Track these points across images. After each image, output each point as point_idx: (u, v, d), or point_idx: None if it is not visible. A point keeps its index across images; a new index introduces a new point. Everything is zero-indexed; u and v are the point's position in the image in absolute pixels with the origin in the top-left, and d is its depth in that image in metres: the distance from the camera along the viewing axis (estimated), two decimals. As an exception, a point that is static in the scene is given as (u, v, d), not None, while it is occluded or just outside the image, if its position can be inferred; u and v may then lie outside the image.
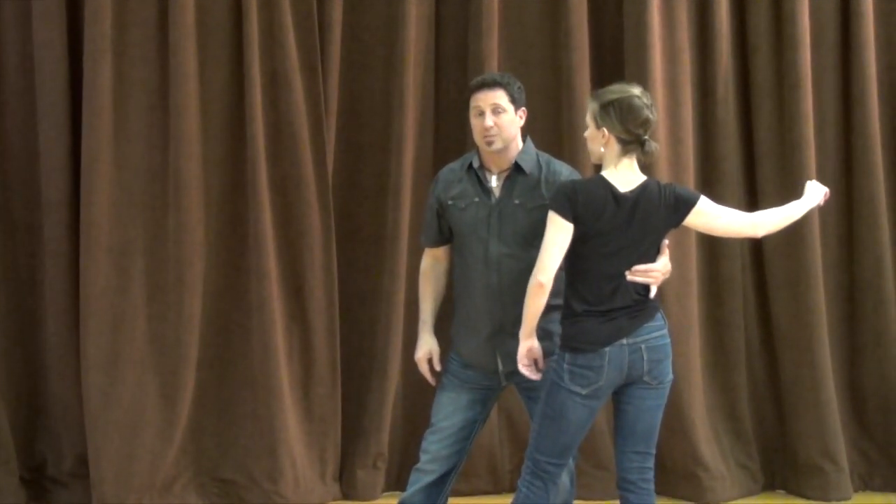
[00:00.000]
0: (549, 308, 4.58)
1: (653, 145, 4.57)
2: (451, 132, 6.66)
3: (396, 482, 6.69)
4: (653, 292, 4.59)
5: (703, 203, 4.61)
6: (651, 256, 4.56)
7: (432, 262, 5.11)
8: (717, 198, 6.74)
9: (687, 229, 6.59)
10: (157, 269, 6.46)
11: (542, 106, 6.59)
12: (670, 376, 4.61)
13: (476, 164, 4.83)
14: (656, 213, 4.52)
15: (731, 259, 6.79)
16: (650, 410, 4.60)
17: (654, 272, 4.55)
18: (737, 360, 6.88)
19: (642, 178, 4.57)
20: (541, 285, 4.46)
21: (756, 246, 6.87)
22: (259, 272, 6.47)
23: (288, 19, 6.48)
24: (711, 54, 6.81)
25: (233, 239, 6.56)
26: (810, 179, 6.60)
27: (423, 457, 4.97)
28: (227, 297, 6.57)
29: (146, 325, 6.45)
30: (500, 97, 4.75)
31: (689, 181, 6.71)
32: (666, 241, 4.62)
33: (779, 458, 6.89)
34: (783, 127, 6.77)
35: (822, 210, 6.77)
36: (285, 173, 6.53)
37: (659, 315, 4.58)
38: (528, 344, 4.56)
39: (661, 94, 6.65)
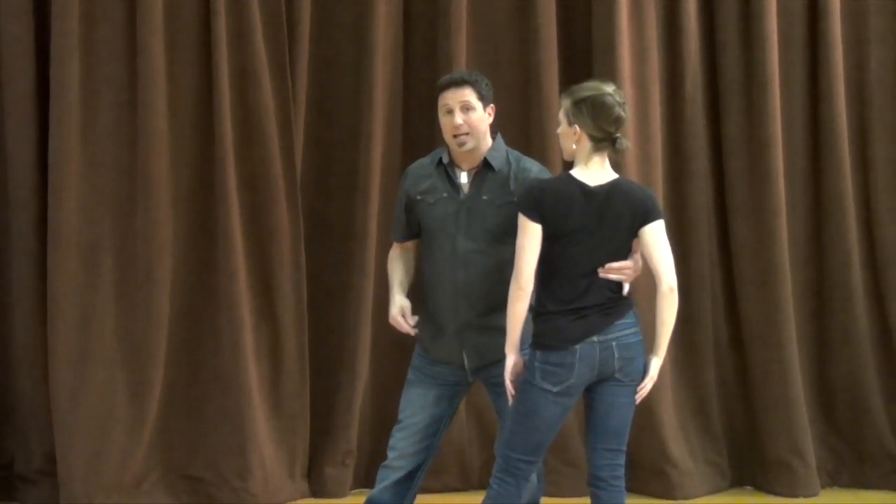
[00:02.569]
0: None
1: (624, 143, 4.56)
2: (420, 130, 6.67)
3: (365, 479, 6.69)
4: (626, 289, 4.59)
5: (661, 225, 4.58)
6: (623, 254, 4.56)
7: (401, 251, 5.09)
8: (686, 195, 6.85)
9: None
10: (125, 266, 6.44)
11: (511, 104, 6.60)
12: (642, 374, 4.61)
13: (446, 160, 4.83)
14: (628, 212, 4.51)
15: (699, 256, 6.81)
16: (622, 408, 4.59)
17: (626, 269, 4.55)
18: (705, 357, 6.90)
19: (613, 175, 4.57)
20: (521, 289, 4.45)
21: (724, 243, 6.92)
22: (228, 270, 6.47)
23: (256, 17, 6.48)
24: (680, 52, 6.84)
25: (201, 236, 6.55)
26: (778, 177, 6.69)
27: (391, 454, 4.95)
28: (195, 295, 6.57)
29: (115, 322, 6.43)
30: (468, 95, 4.74)
31: (658, 178, 6.74)
32: (637, 240, 4.61)
33: (747, 455, 6.92)
34: (751, 124, 6.80)
35: (790, 207, 6.83)
36: (254, 171, 6.53)
37: (631, 313, 4.58)
38: (514, 358, 4.54)
39: (629, 92, 6.67)
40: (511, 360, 4.54)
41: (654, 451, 6.68)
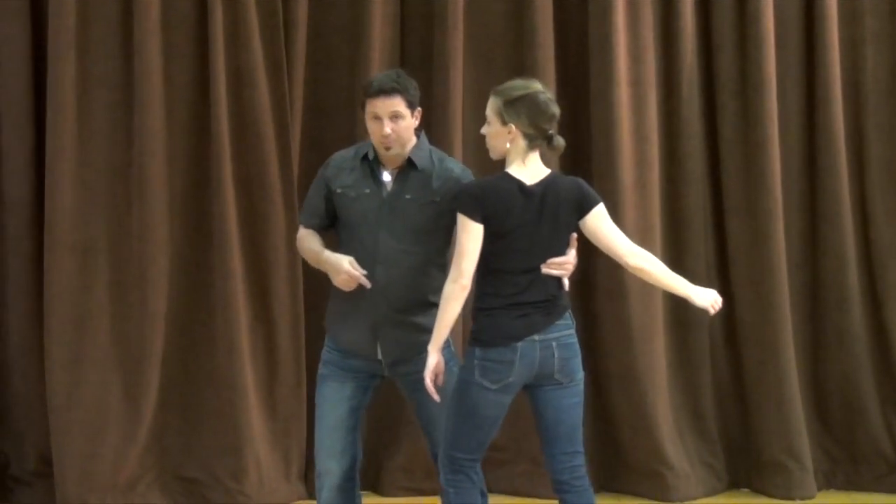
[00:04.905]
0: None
1: (560, 140, 4.57)
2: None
3: (361, 481, 6.64)
4: (566, 285, 4.61)
5: (602, 208, 4.61)
6: (562, 249, 4.57)
7: (311, 232, 4.92)
8: (682, 196, 6.85)
9: (651, 228, 6.66)
10: (120, 267, 6.44)
11: (507, 104, 6.60)
12: (581, 373, 4.61)
13: (371, 156, 4.80)
14: (565, 206, 4.54)
15: (695, 258, 6.80)
16: (568, 410, 4.59)
17: (567, 264, 4.58)
18: (701, 359, 6.90)
19: (547, 171, 4.59)
20: (464, 288, 4.45)
21: (720, 244, 6.91)
22: (223, 270, 6.46)
23: (253, 17, 6.48)
24: (676, 53, 6.84)
25: (197, 237, 6.56)
26: (774, 179, 6.69)
27: (320, 455, 4.87)
28: (191, 296, 6.57)
29: (110, 323, 6.44)
30: (398, 104, 4.69)
31: (654, 179, 6.74)
32: (574, 235, 4.61)
33: (743, 457, 6.91)
34: (747, 126, 6.80)
35: (786, 208, 6.83)
36: (250, 171, 6.52)
37: (568, 314, 4.60)
38: (436, 357, 4.50)
39: (625, 93, 6.68)
40: (434, 359, 4.50)
41: (649, 452, 6.69)
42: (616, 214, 6.46)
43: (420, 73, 6.71)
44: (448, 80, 6.61)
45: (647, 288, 6.64)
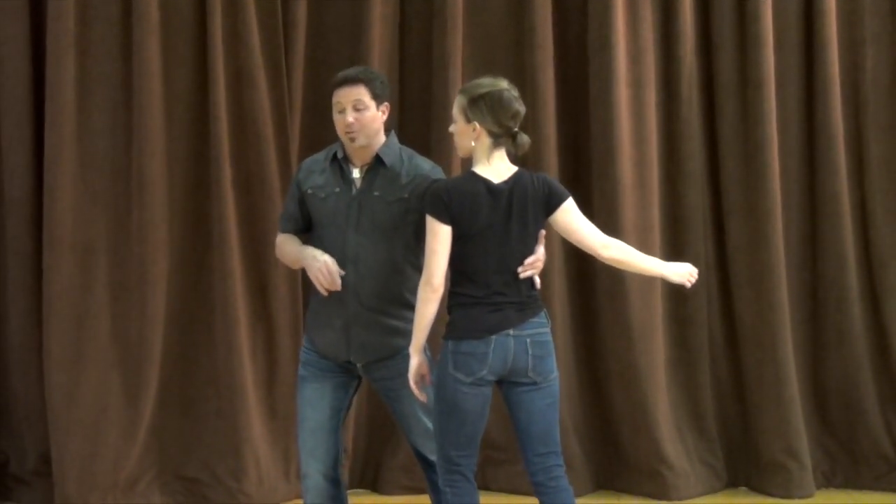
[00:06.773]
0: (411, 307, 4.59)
1: (524, 137, 4.56)
2: (415, 130, 6.66)
3: (360, 479, 6.70)
4: (538, 283, 4.60)
5: (571, 203, 4.61)
6: (531, 247, 4.56)
7: (288, 236, 4.95)
8: (681, 196, 6.86)
9: (648, 225, 6.67)
10: (120, 267, 6.45)
11: (506, 104, 6.60)
12: (555, 373, 4.58)
13: (340, 156, 4.80)
14: (533, 203, 4.52)
15: (694, 258, 6.76)
16: (542, 411, 4.56)
17: (538, 263, 4.57)
18: (700, 358, 6.91)
19: (514, 168, 4.57)
20: (435, 290, 4.44)
21: (719, 244, 6.92)
22: (223, 270, 6.47)
23: (252, 18, 6.50)
24: (675, 54, 6.84)
25: (197, 237, 6.57)
26: (773, 179, 6.70)
27: (303, 457, 4.87)
28: (190, 296, 6.58)
29: (110, 323, 6.44)
30: (361, 93, 4.71)
31: (654, 180, 6.75)
32: (542, 231, 4.60)
33: (742, 456, 6.92)
34: (747, 126, 6.80)
35: (785, 208, 6.83)
36: (249, 171, 6.54)
37: (543, 313, 4.58)
38: (418, 359, 4.51)
39: (625, 94, 6.69)
40: (416, 361, 4.51)
41: (649, 451, 6.70)
42: (615, 214, 6.54)
43: (419, 73, 6.77)
44: (447, 81, 6.61)
45: (647, 287, 6.66)
